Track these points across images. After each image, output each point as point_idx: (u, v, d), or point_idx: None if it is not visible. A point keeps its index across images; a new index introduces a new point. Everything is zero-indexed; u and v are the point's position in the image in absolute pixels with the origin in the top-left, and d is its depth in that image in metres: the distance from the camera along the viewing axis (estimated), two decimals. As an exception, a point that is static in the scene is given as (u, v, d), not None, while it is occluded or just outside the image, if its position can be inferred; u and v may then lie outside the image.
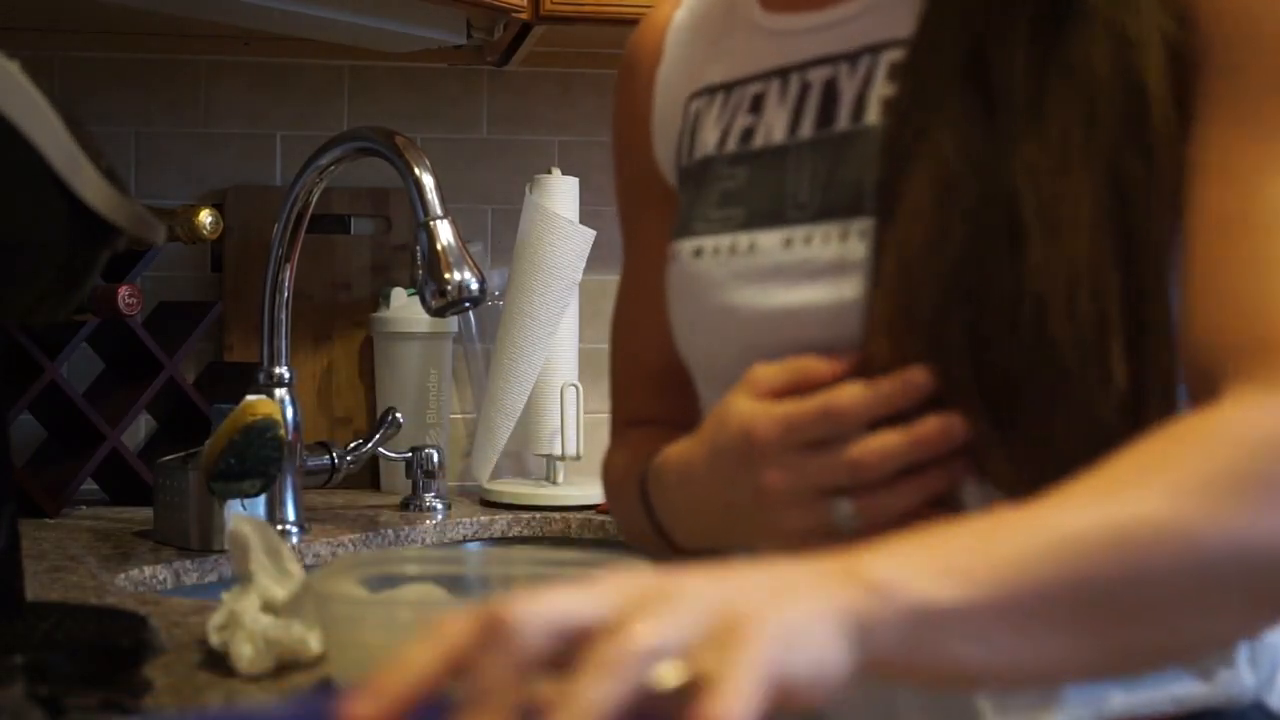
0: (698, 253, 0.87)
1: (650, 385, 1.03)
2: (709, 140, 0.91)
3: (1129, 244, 0.72)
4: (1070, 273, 0.71)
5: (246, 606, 0.90)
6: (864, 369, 0.76)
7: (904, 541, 0.57)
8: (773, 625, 0.48)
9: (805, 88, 0.85)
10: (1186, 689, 0.76)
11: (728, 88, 0.91)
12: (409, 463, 1.72)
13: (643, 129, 0.99)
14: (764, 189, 0.85)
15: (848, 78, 0.83)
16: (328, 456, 1.61)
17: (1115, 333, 0.71)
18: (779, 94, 0.87)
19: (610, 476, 1.03)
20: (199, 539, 1.39)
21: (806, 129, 0.84)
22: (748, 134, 0.88)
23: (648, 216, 1.01)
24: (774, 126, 0.86)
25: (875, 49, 0.82)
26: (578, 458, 1.77)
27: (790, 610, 0.50)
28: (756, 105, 0.88)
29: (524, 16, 1.64)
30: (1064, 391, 0.71)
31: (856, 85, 0.82)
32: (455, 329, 1.88)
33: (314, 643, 0.89)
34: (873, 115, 0.81)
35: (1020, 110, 0.74)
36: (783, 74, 0.87)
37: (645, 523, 0.92)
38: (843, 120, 0.82)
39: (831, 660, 0.51)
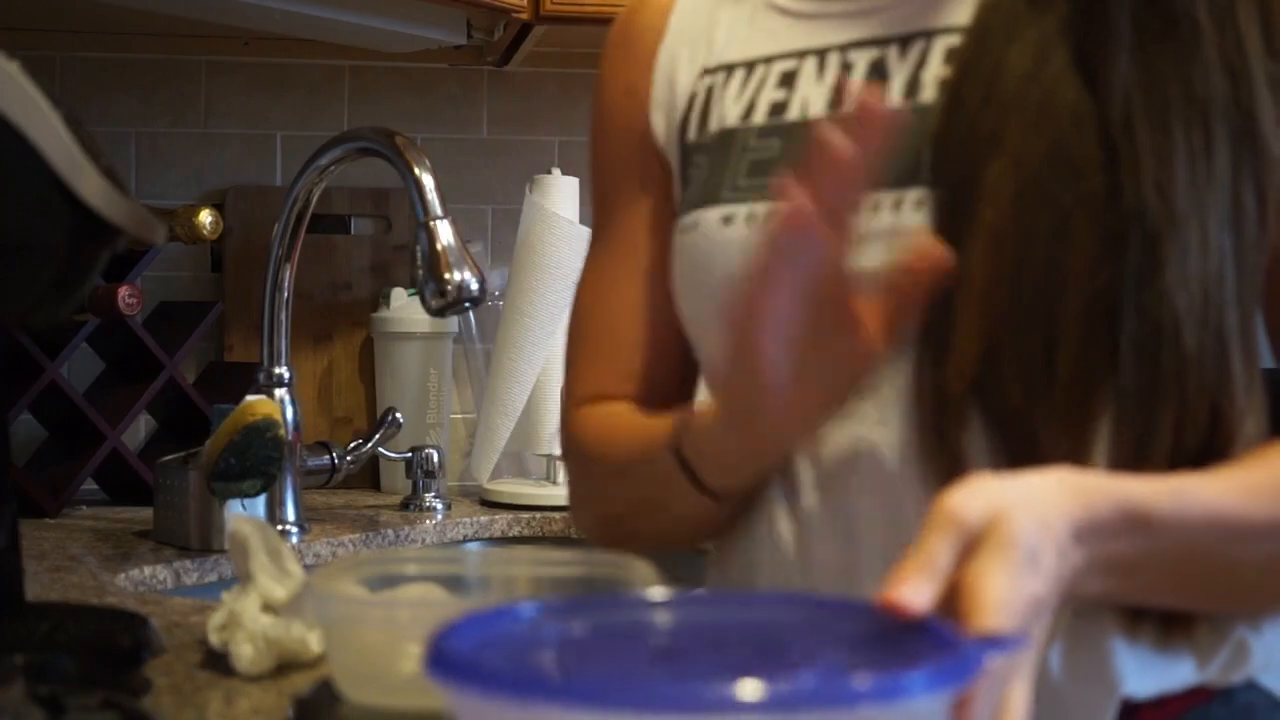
0: (727, 220, 0.87)
1: (622, 363, 0.99)
2: (731, 113, 0.91)
3: (1240, 268, 0.77)
4: (1203, 290, 0.75)
5: (246, 606, 0.90)
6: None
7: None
8: None
9: (847, 67, 0.87)
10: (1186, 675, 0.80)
11: (748, 65, 0.92)
12: (409, 463, 1.72)
13: (639, 103, 0.99)
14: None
15: (898, 59, 0.85)
16: (328, 456, 1.61)
17: (1235, 350, 0.76)
18: (815, 72, 0.88)
19: (588, 448, 0.98)
20: (199, 539, 1.39)
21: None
22: (779, 107, 0.89)
23: (634, 190, 0.99)
24: (811, 100, 0.87)
25: (929, 34, 0.84)
26: (578, 458, 1.77)
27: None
28: (788, 81, 0.89)
29: (524, 16, 1.64)
30: (1181, 399, 0.75)
31: (909, 67, 0.84)
32: (455, 329, 1.88)
33: (314, 643, 0.89)
34: (929, 94, 0.82)
35: (1139, 116, 0.75)
36: (819, 54, 0.88)
37: (673, 475, 0.86)
38: (895, 98, 0.83)
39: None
